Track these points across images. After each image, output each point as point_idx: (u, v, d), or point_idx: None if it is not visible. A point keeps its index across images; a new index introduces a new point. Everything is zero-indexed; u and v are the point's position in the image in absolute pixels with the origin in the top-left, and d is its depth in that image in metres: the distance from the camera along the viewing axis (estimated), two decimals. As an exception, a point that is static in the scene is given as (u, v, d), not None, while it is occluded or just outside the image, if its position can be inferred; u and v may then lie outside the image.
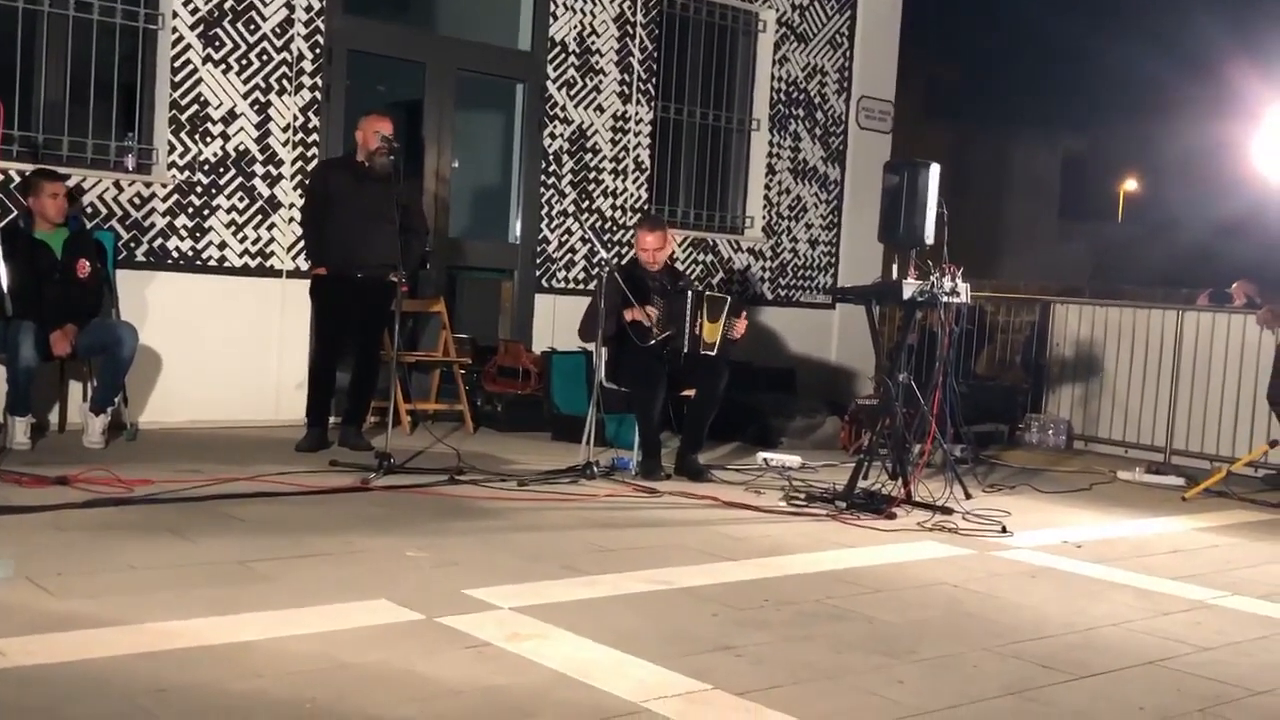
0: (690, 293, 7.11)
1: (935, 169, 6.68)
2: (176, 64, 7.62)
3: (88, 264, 6.85)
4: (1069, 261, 26.29)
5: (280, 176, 8.00)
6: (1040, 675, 3.82)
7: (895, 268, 6.75)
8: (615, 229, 9.60)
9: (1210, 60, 22.38)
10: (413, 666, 3.50)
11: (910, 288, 6.51)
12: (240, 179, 7.87)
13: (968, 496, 6.72)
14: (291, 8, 7.99)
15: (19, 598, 3.88)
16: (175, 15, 7.59)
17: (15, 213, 6.97)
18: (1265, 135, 7.76)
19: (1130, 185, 32.56)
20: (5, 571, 4.12)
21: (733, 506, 6.25)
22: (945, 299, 6.53)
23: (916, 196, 6.63)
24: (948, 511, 6.24)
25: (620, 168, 9.64)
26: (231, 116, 7.81)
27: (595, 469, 6.76)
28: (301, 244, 7.83)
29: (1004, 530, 6.00)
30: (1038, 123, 29.06)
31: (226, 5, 7.75)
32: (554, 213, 9.31)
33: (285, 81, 8.00)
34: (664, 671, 3.59)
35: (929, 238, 6.67)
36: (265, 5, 7.89)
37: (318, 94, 8.13)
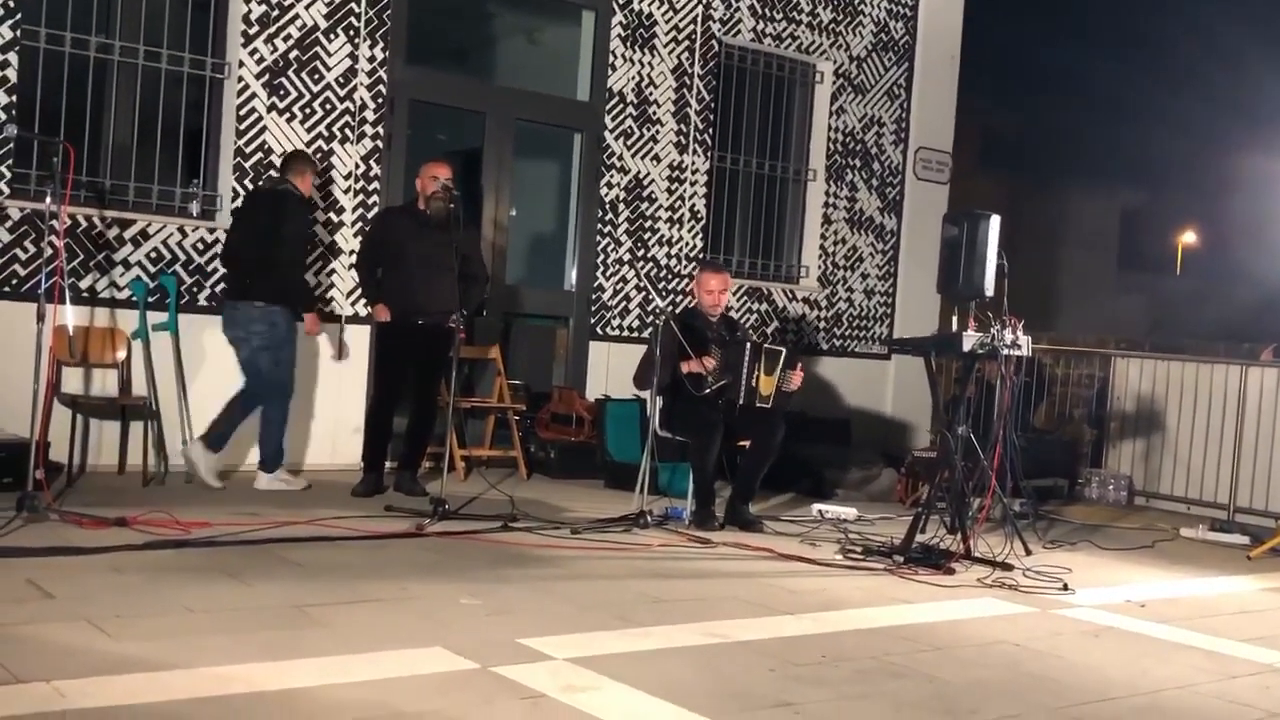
0: (749, 344, 7.09)
1: (995, 220, 6.62)
2: (241, 112, 7.75)
3: None
4: (1127, 314, 25.99)
5: (341, 224, 8.09)
6: (1106, 739, 3.73)
7: (955, 319, 6.69)
8: (671, 277, 9.61)
9: (1268, 110, 22.17)
10: (469, 717, 3.47)
11: (970, 340, 6.45)
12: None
13: (1028, 552, 6.61)
14: (355, 58, 8.11)
15: (78, 639, 3.90)
16: (241, 65, 7.73)
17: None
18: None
19: (1189, 238, 32.21)
20: None
21: (788, 559, 6.18)
22: (1006, 351, 6.45)
23: (976, 248, 6.57)
24: (1008, 567, 6.13)
25: (676, 217, 9.66)
26: (294, 164, 7.91)
27: (649, 518, 6.72)
28: (359, 289, 7.89)
29: (1065, 588, 5.89)
30: (1096, 174, 28.85)
31: (291, 55, 7.88)
32: (609, 261, 9.34)
33: (348, 130, 8.10)
34: (720, 727, 3.55)
35: (989, 289, 6.60)
36: (329, 56, 8.02)
37: (379, 143, 8.23)
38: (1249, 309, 22.00)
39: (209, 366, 7.57)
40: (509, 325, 9.30)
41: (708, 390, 6.99)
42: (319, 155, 7.99)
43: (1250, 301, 22.47)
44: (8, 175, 7.05)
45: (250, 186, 7.74)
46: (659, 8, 9.46)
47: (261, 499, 6.65)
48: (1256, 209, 23.46)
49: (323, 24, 7.99)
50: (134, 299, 7.32)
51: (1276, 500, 8.73)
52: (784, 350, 7.14)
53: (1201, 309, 25.28)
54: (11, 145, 6.95)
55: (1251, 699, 4.30)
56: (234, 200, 7.73)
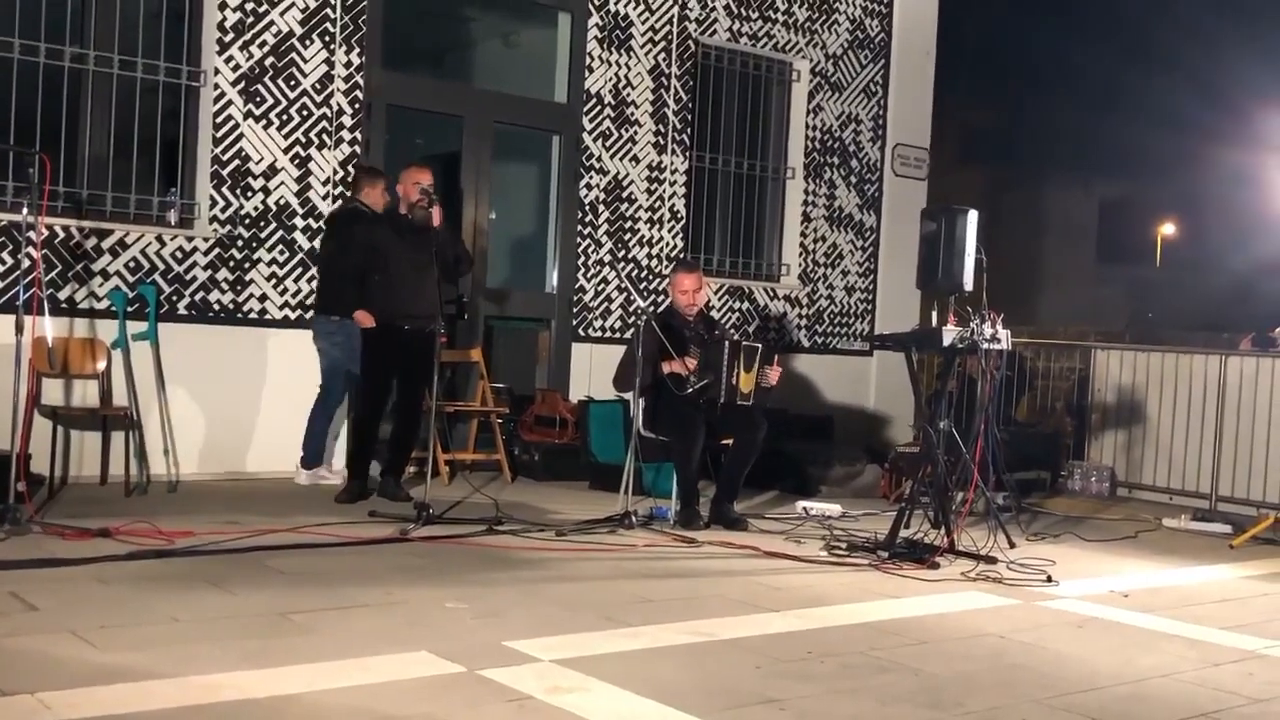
0: (728, 342, 7.10)
1: (973, 215, 6.65)
2: (218, 120, 7.73)
3: None
4: (1107, 306, 26.12)
5: (320, 230, 8.07)
6: (1091, 728, 3.75)
7: (934, 314, 6.71)
8: (651, 278, 9.62)
9: (1246, 101, 22.29)
10: (455, 720, 3.48)
11: (950, 334, 6.47)
12: (281, 232, 7.95)
13: (1011, 545, 6.64)
14: (331, 64, 8.10)
15: (63, 650, 3.89)
16: (217, 72, 7.71)
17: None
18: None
19: (1168, 229, 32.37)
20: None
21: (773, 556, 6.20)
22: (986, 345, 6.48)
23: (955, 243, 6.59)
24: (992, 561, 6.16)
25: (656, 217, 9.68)
26: (272, 171, 7.91)
27: (634, 518, 6.73)
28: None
29: (1049, 579, 5.92)
30: (1074, 167, 28.98)
31: (267, 62, 7.87)
32: (590, 262, 9.35)
33: (325, 136, 8.09)
34: (708, 725, 3.56)
35: (968, 284, 6.62)
36: (305, 62, 8.00)
37: (357, 148, 8.22)
38: (1226, 298, 22.14)
39: (190, 375, 7.57)
40: (491, 328, 9.30)
41: (689, 390, 7.00)
42: (296, 161, 7.98)
43: (1226, 290, 22.61)
44: (-16, 187, 7.02)
45: (228, 195, 7.74)
46: (635, 9, 9.48)
47: (242, 507, 6.63)
48: (1234, 199, 23.62)
49: (298, 30, 7.98)
50: (113, 309, 7.29)
51: (1258, 489, 8.78)
52: (760, 346, 7.15)
53: (1179, 298, 25.44)
54: (-13, 157, 6.93)
55: (1234, 686, 4.33)
56: (211, 208, 7.72)
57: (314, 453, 7.72)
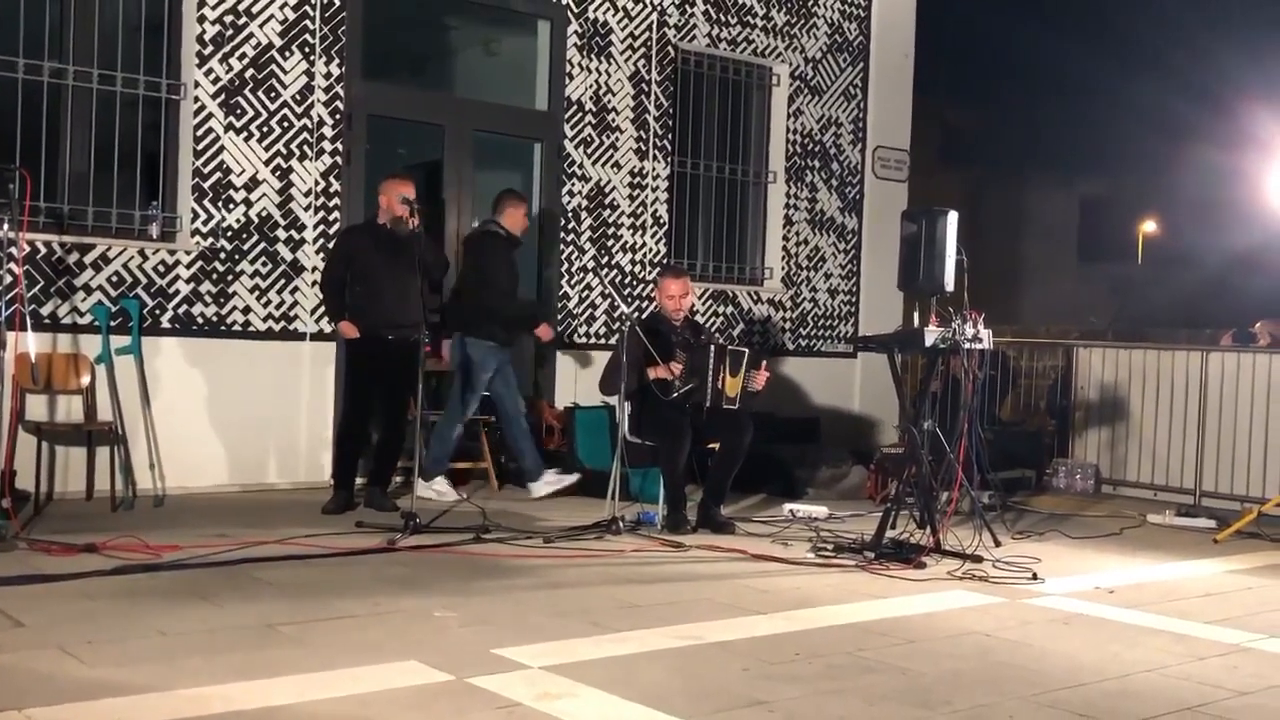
0: (713, 346, 7.12)
1: (953, 216, 6.69)
2: (199, 133, 7.73)
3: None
4: (1089, 304, 26.22)
5: (303, 241, 8.08)
6: (1077, 724, 3.78)
7: (916, 315, 6.75)
8: (635, 284, 9.64)
9: (1226, 97, 22.41)
10: (444, 728, 3.48)
11: (932, 335, 6.51)
12: (263, 244, 7.94)
13: (997, 544, 6.67)
14: (311, 75, 8.10)
15: (50, 666, 3.88)
16: (197, 85, 7.71)
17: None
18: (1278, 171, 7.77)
19: (1149, 226, 32.51)
20: None
21: (760, 559, 6.22)
22: (968, 345, 6.52)
23: (935, 244, 6.64)
24: (977, 559, 6.19)
25: (639, 223, 9.70)
26: (254, 183, 7.90)
27: (621, 524, 6.74)
28: (323, 307, 7.88)
29: (1035, 577, 5.95)
30: (1054, 166, 29.09)
31: (247, 74, 7.87)
32: (574, 269, 9.36)
33: (306, 147, 8.10)
34: (696, 728, 3.57)
35: (949, 285, 6.66)
36: (285, 73, 8.01)
37: (338, 159, 8.23)
38: (1207, 293, 22.24)
39: (174, 389, 7.56)
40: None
41: (675, 395, 7.01)
42: (277, 173, 7.98)
43: (1208, 285, 22.70)
44: (-36, 204, 7.00)
45: (210, 207, 7.74)
46: (614, 16, 9.50)
47: (229, 520, 6.62)
48: (1214, 195, 23.72)
49: (277, 42, 7.98)
50: (96, 323, 7.28)
51: (1241, 483, 8.84)
52: (748, 351, 7.18)
53: (1162, 295, 25.54)
54: (-33, 174, 6.90)
55: (1219, 679, 4.36)
56: (193, 221, 7.71)
57: (429, 464, 7.76)
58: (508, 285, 7.90)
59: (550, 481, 7.96)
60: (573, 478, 8.00)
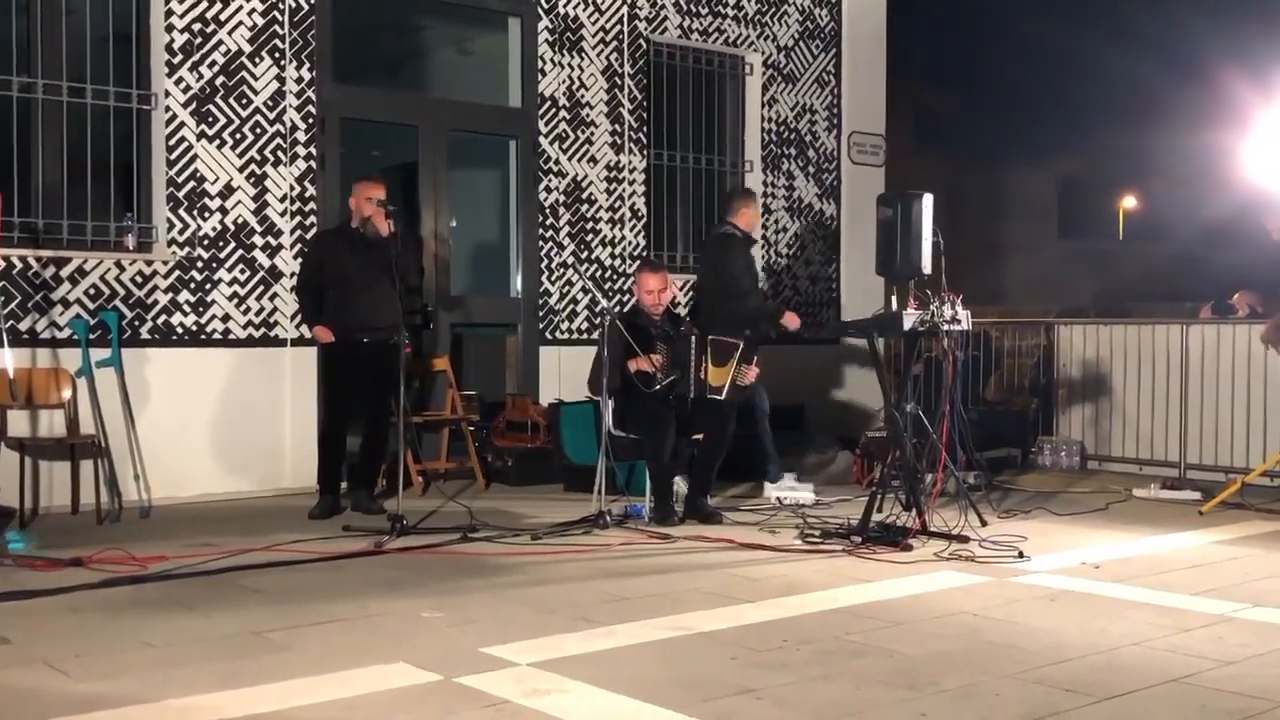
0: (693, 337, 7.13)
1: (928, 199, 6.71)
2: (171, 142, 7.70)
3: None
4: (1070, 281, 26.30)
5: (280, 247, 8.06)
6: (1063, 700, 3.80)
7: (894, 299, 6.77)
8: (616, 277, 9.64)
9: (1202, 68, 22.46)
10: (432, 728, 3.49)
11: (910, 318, 6.53)
12: (240, 251, 7.93)
13: (983, 523, 6.69)
14: (282, 80, 8.08)
15: (37, 682, 3.88)
16: (168, 94, 7.68)
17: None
18: (1255, 141, 7.79)
19: (1130, 202, 32.61)
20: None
21: (748, 547, 6.23)
22: (946, 327, 6.54)
23: (911, 227, 6.66)
24: (964, 540, 6.21)
25: (617, 217, 9.70)
26: (228, 190, 7.89)
27: (608, 518, 6.75)
28: (299, 312, 7.87)
29: (1021, 555, 5.98)
30: (1032, 145, 29.16)
31: (218, 81, 7.84)
32: (554, 265, 9.36)
33: (280, 153, 8.08)
34: (685, 719, 3.58)
35: (926, 267, 6.69)
36: (256, 79, 7.98)
37: (313, 163, 8.21)
38: (1187, 267, 22.30)
39: (156, 400, 7.54)
40: (458, 336, 9.29)
41: (658, 387, 7.02)
42: (252, 180, 7.96)
43: (1187, 259, 22.78)
44: (-63, 222, 6.98)
45: (185, 216, 7.72)
46: (584, 10, 9.49)
47: (216, 529, 6.61)
48: (1192, 168, 23.78)
49: (247, 48, 7.95)
50: (75, 337, 7.26)
51: (1225, 455, 8.88)
52: (741, 345, 7.18)
53: (1144, 271, 25.63)
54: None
55: (1204, 650, 4.38)
56: (169, 231, 7.69)
57: (772, 463, 7.99)
58: (749, 284, 8.02)
59: (782, 486, 7.92)
60: (808, 491, 7.88)
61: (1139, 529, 6.99)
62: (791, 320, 8.05)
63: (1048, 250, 29.54)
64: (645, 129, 9.89)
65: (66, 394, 7.19)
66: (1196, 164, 22.75)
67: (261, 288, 8.00)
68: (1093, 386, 9.74)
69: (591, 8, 9.52)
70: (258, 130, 7.99)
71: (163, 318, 7.65)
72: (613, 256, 9.66)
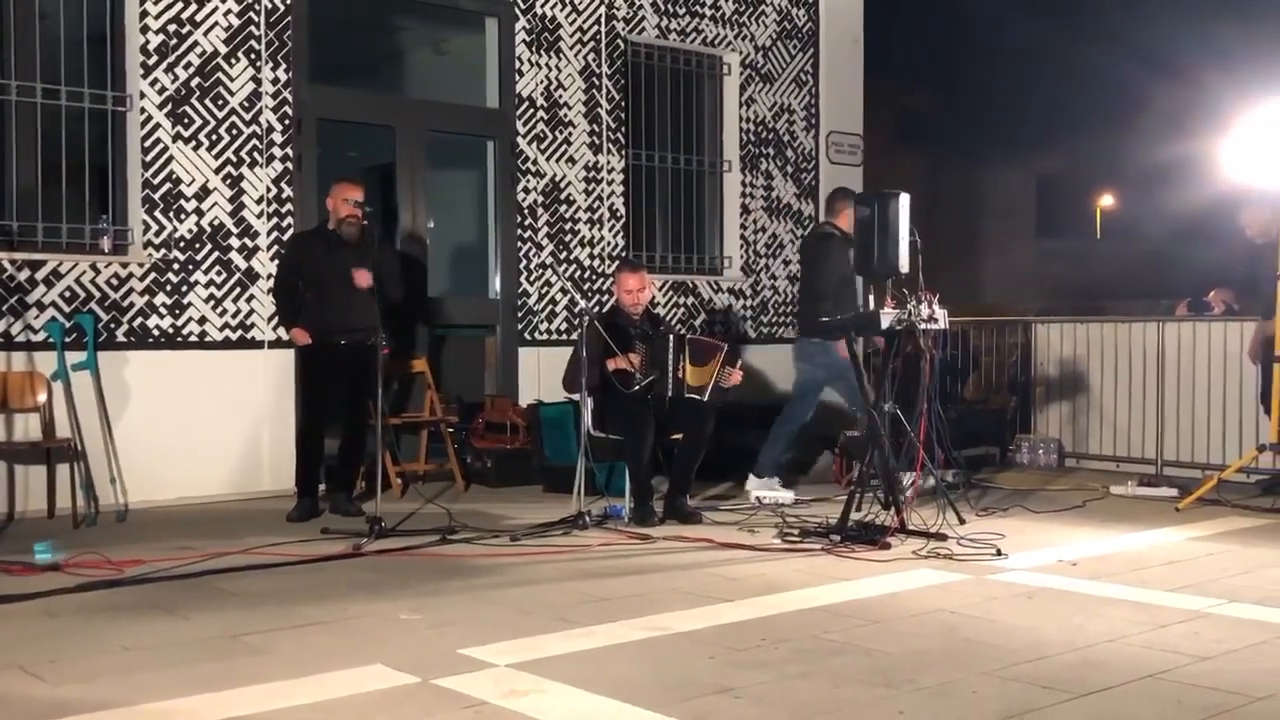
0: (671, 337, 7.14)
1: (905, 199, 6.73)
2: (147, 143, 7.67)
3: None
4: (1049, 280, 26.42)
5: (256, 249, 8.03)
6: (1040, 696, 3.81)
7: (872, 298, 6.79)
8: (595, 278, 9.64)
9: (1177, 69, 22.61)
10: (410, 730, 3.48)
11: (888, 317, 6.55)
12: (217, 253, 7.89)
13: (961, 521, 6.71)
14: (258, 81, 8.05)
15: (11, 687, 3.86)
16: (143, 96, 7.65)
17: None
18: (1233, 141, 7.83)
19: (1106, 201, 32.77)
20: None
21: (727, 547, 6.24)
22: (923, 326, 6.56)
23: (888, 227, 6.67)
24: (942, 538, 6.23)
25: (595, 217, 9.69)
26: (204, 192, 7.85)
27: (588, 519, 6.75)
28: (276, 314, 7.84)
29: (999, 553, 6.00)
30: (1010, 144, 29.30)
31: (193, 83, 7.81)
32: (532, 265, 9.35)
33: (256, 154, 8.05)
34: (664, 719, 3.58)
35: (904, 267, 6.70)
36: (232, 80, 7.95)
37: (289, 164, 8.18)
38: (1163, 265, 22.43)
39: (132, 403, 7.51)
40: (436, 338, 9.28)
41: (636, 387, 7.03)
42: (228, 181, 7.93)
43: (1163, 257, 22.91)
44: (-90, 224, 6.93)
45: (161, 218, 7.69)
46: (562, 10, 9.48)
47: (193, 532, 6.59)
48: (1169, 167, 23.90)
49: (223, 49, 7.92)
50: (51, 340, 7.21)
51: (1201, 452, 8.93)
52: (723, 346, 7.19)
53: (1121, 269, 25.75)
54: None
55: (1180, 646, 4.41)
56: (145, 233, 7.65)
57: (769, 462, 7.96)
58: (832, 287, 7.88)
59: (765, 485, 7.89)
60: (789, 496, 7.83)
61: (1116, 526, 7.02)
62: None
63: (1025, 249, 29.67)
64: (623, 129, 9.89)
65: (42, 397, 7.15)
66: (1172, 163, 22.88)
67: (238, 290, 7.97)
68: (1070, 385, 9.78)
69: (569, 8, 9.52)
70: (234, 131, 7.96)
71: (139, 320, 7.61)
72: (591, 257, 9.66)
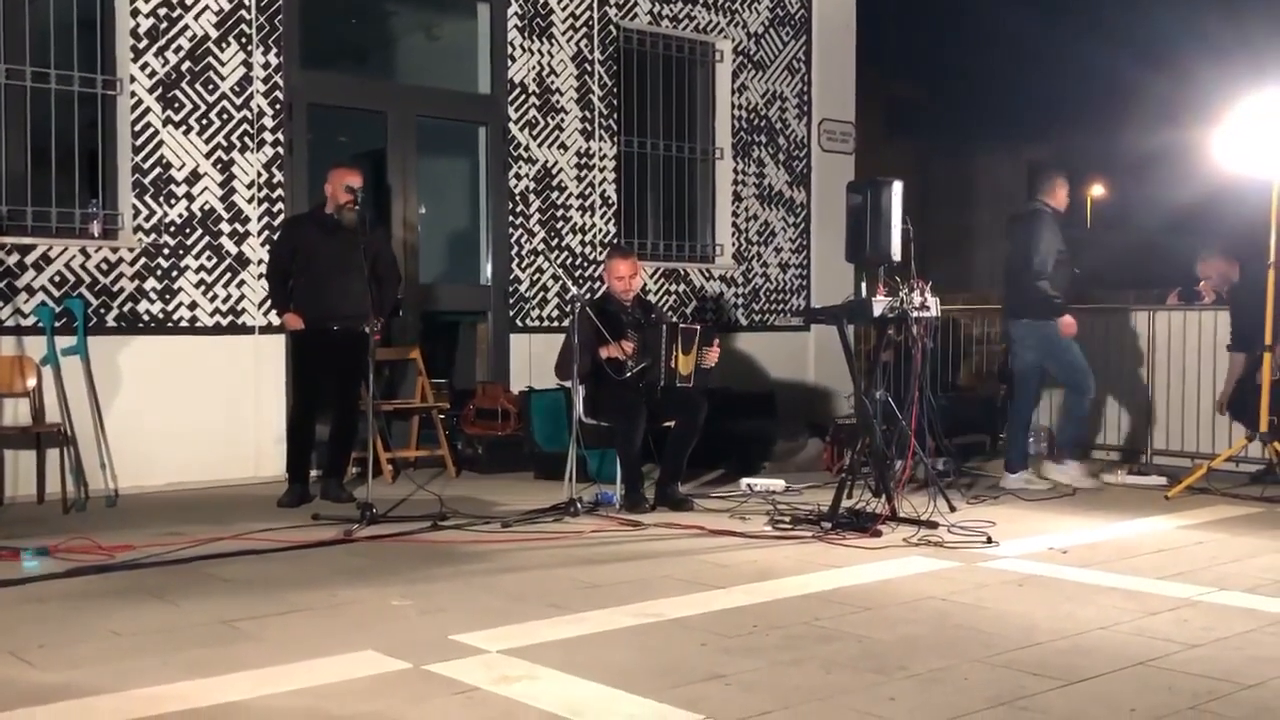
0: (665, 325, 7.13)
1: (898, 186, 6.72)
2: (137, 128, 7.63)
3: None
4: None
5: (247, 234, 8.01)
6: (1031, 683, 3.82)
7: (864, 286, 6.79)
8: (586, 265, 9.62)
9: (1168, 58, 22.61)
10: (402, 716, 3.48)
11: (880, 305, 6.54)
12: (207, 238, 7.87)
13: (952, 509, 6.73)
14: (249, 65, 8.01)
15: (1, 672, 3.84)
16: (133, 79, 7.61)
17: None
18: (1225, 131, 7.83)
19: (1096, 190, 32.78)
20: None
21: (718, 534, 6.24)
22: (915, 314, 6.56)
23: (881, 214, 6.67)
24: (933, 525, 6.24)
25: (587, 204, 9.68)
26: (195, 177, 7.82)
27: (579, 506, 6.75)
28: (268, 299, 7.81)
29: (989, 540, 6.01)
30: (1000, 132, 29.29)
31: (184, 67, 7.77)
32: (524, 252, 9.34)
33: (247, 139, 8.01)
34: (655, 705, 3.58)
35: (895, 254, 6.70)
36: (223, 65, 7.92)
37: (280, 149, 8.15)
38: (1155, 255, 22.44)
39: (123, 388, 7.49)
40: (428, 324, 9.26)
41: (628, 374, 7.02)
42: (219, 166, 7.90)
43: (1153, 247, 22.92)
44: (-102, 208, 6.89)
45: (151, 203, 7.66)
46: (554, -4, 9.46)
47: (183, 518, 6.57)
48: (1160, 157, 23.92)
49: (213, 33, 7.88)
50: (40, 325, 7.19)
51: (1191, 440, 8.95)
52: (699, 328, 7.19)
53: (1111, 258, 25.77)
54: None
55: (1169, 633, 4.42)
56: (135, 217, 7.62)
57: (1017, 454, 8.02)
58: (1046, 264, 7.86)
59: (1020, 480, 7.90)
60: (1045, 485, 7.91)
61: (1106, 514, 7.04)
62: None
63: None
64: (615, 116, 9.87)
65: (31, 382, 7.13)
66: (1163, 152, 22.90)
67: (229, 275, 7.95)
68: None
69: (561, -6, 9.49)
70: (224, 116, 7.93)
71: (129, 305, 7.58)
72: (583, 244, 9.65)
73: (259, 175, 8.06)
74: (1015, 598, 4.99)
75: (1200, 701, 3.66)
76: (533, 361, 9.17)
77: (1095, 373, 8.25)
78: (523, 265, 9.33)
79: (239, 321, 7.96)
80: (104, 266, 7.50)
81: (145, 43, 7.65)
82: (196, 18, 7.82)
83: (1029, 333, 7.99)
